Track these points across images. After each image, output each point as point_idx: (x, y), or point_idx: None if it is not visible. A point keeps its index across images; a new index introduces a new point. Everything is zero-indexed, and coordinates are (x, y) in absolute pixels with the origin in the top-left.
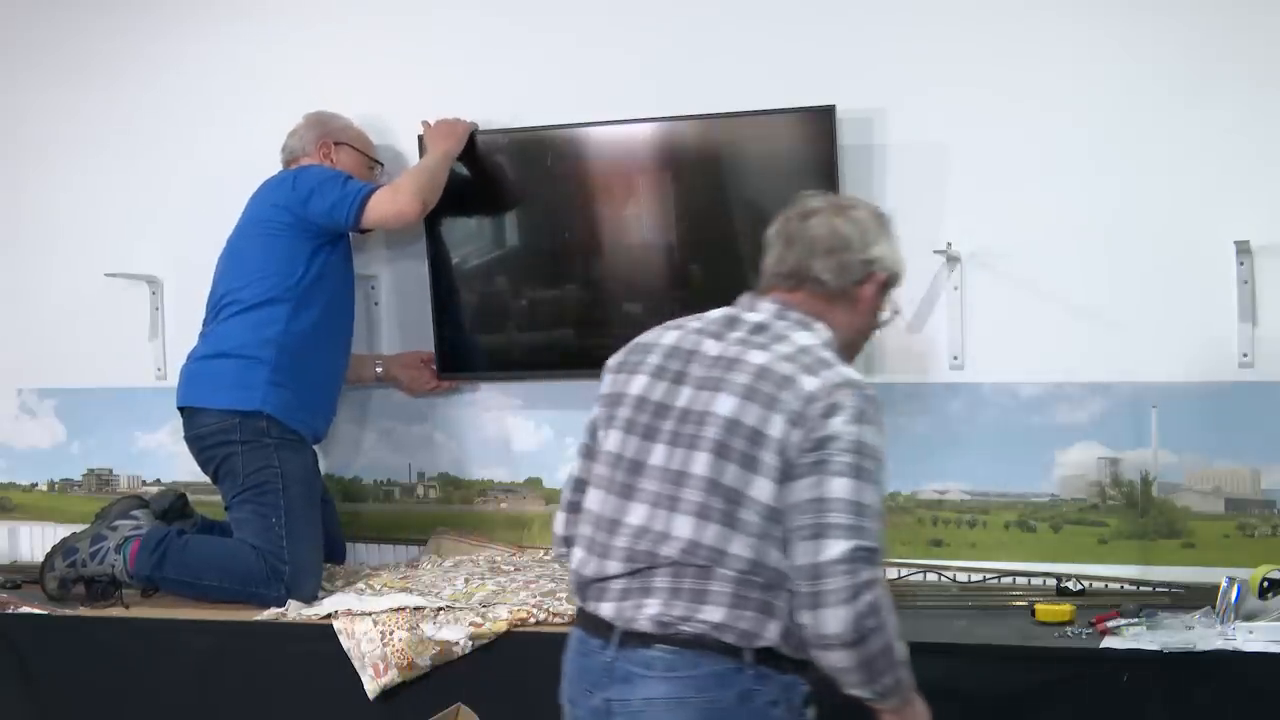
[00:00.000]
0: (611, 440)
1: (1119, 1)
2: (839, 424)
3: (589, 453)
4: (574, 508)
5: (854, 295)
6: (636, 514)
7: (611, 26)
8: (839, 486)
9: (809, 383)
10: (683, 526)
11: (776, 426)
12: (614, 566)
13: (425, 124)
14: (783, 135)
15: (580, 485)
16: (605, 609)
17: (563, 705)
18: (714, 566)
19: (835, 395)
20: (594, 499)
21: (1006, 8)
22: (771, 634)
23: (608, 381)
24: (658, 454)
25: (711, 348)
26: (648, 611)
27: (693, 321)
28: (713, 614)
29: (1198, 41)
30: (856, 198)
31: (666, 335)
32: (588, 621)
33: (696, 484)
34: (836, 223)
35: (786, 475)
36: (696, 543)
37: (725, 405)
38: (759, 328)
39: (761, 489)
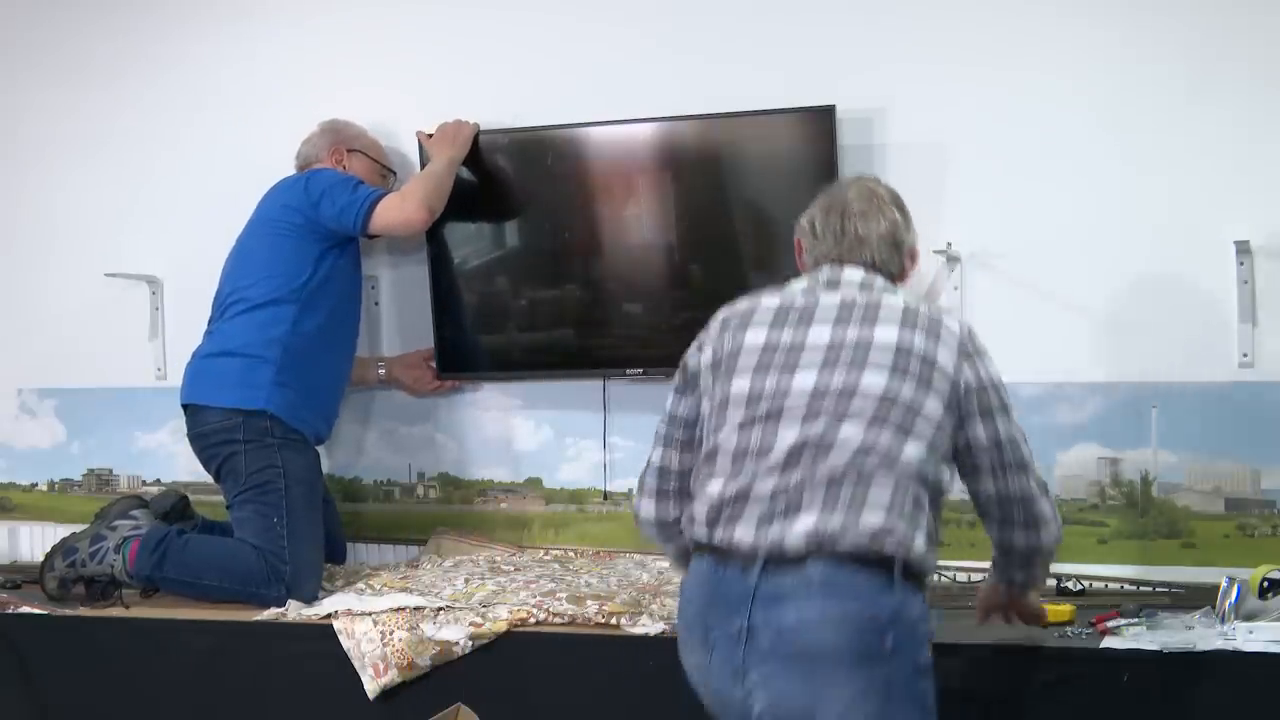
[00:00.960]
0: (738, 385)
1: (1119, 1)
2: (994, 367)
3: (690, 389)
4: (686, 446)
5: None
6: (792, 432)
7: (612, 27)
8: (1015, 425)
9: (953, 324)
10: (853, 431)
11: (946, 357)
12: (763, 487)
13: (422, 134)
14: (783, 135)
15: (690, 424)
16: (742, 534)
17: (686, 636)
18: (882, 470)
19: (976, 339)
20: (728, 437)
21: (1007, 8)
22: (919, 546)
23: (713, 336)
24: (807, 379)
25: (829, 297)
26: (799, 529)
27: (778, 290)
28: (872, 518)
29: (1198, 41)
30: (885, 185)
31: (764, 299)
32: (720, 551)
33: (868, 397)
34: (895, 218)
35: (962, 407)
36: (871, 445)
37: (888, 333)
38: (864, 284)
39: (934, 408)
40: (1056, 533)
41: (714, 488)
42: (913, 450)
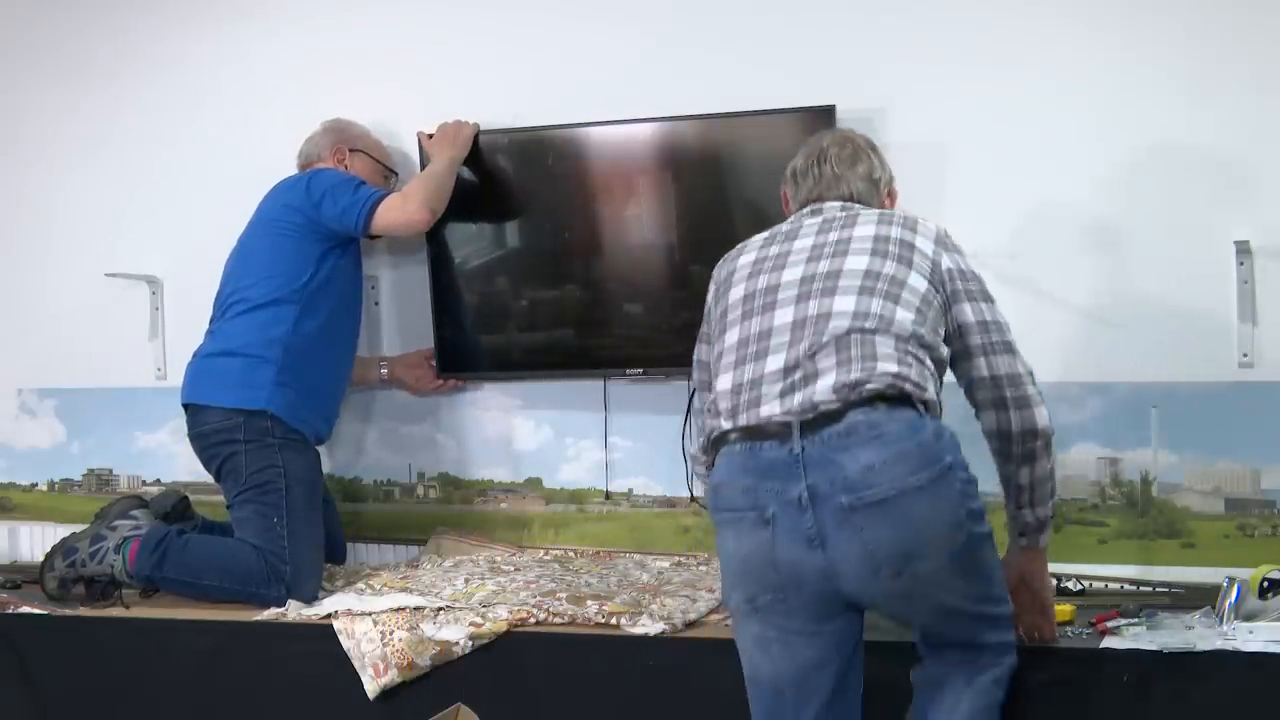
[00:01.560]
0: (734, 294)
1: (1120, 2)
2: (971, 264)
3: (706, 334)
4: (705, 385)
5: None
6: (787, 313)
7: (612, 27)
8: (999, 312)
9: (929, 222)
10: (846, 303)
11: (924, 244)
12: (774, 363)
13: (422, 135)
14: (783, 135)
15: (705, 368)
16: (769, 410)
17: (732, 521)
18: (880, 332)
19: (952, 239)
20: (731, 338)
21: (1007, 8)
22: (932, 394)
23: (716, 280)
24: (795, 273)
25: (811, 220)
26: (824, 386)
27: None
28: (887, 366)
29: (1198, 41)
30: (861, 134)
31: (754, 238)
32: (750, 432)
33: (853, 275)
34: (871, 159)
35: (946, 287)
36: (865, 311)
37: (866, 229)
38: (845, 209)
39: (918, 282)
40: (1048, 418)
41: (725, 382)
42: (904, 315)
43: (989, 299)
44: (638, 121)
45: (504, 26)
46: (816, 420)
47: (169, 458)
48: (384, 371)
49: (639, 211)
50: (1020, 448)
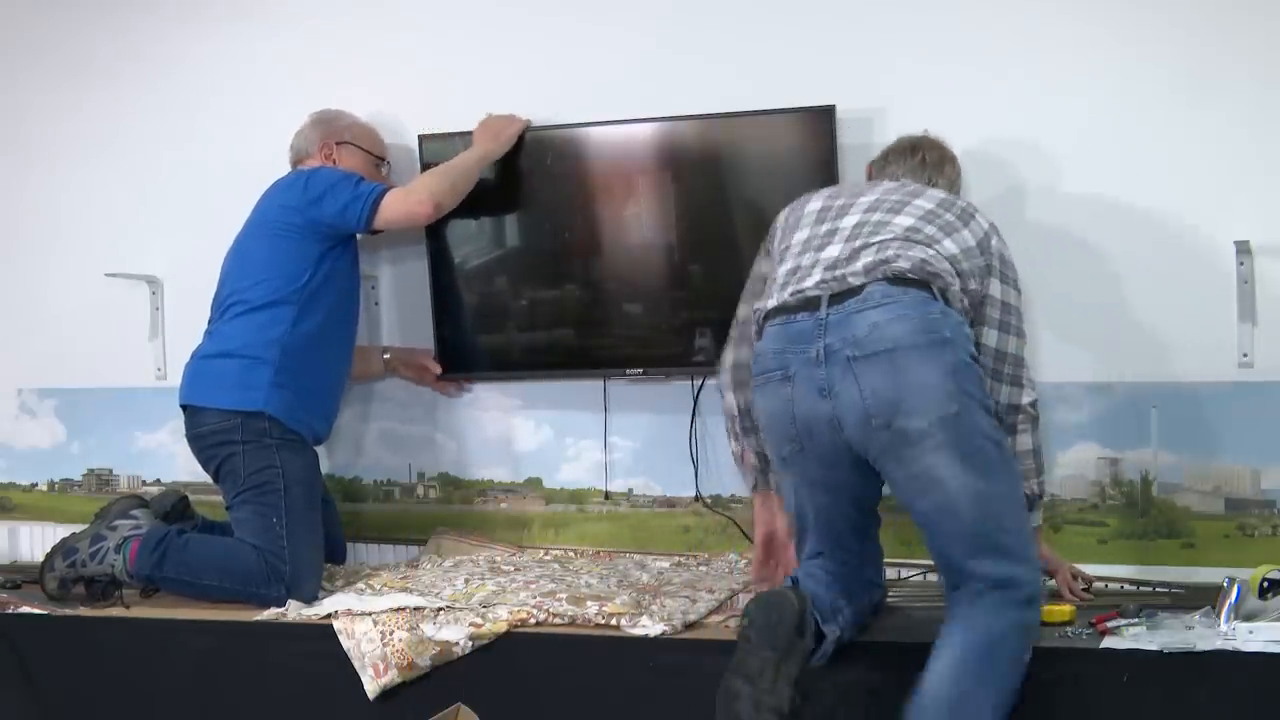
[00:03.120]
0: (801, 232)
1: (1120, 1)
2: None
3: (766, 252)
4: (758, 297)
5: None
6: (849, 220)
7: (612, 27)
8: (1022, 303)
9: (982, 218)
10: (904, 220)
11: (981, 220)
12: (828, 254)
13: (486, 116)
14: (783, 135)
15: (758, 280)
16: (809, 285)
17: (764, 384)
18: (922, 245)
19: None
20: (799, 236)
21: (1007, 8)
22: (955, 291)
23: (778, 235)
24: (865, 199)
25: (880, 180)
26: (856, 268)
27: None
28: (918, 253)
29: (1198, 41)
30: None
31: (825, 190)
32: (787, 307)
33: (916, 210)
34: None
35: (988, 257)
36: (918, 229)
37: (929, 199)
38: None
39: (969, 239)
40: (1034, 401)
41: (782, 270)
42: (951, 247)
43: (1018, 290)
44: (638, 121)
45: (504, 27)
46: (843, 293)
47: (169, 458)
48: (387, 357)
49: (639, 211)
50: (1005, 420)
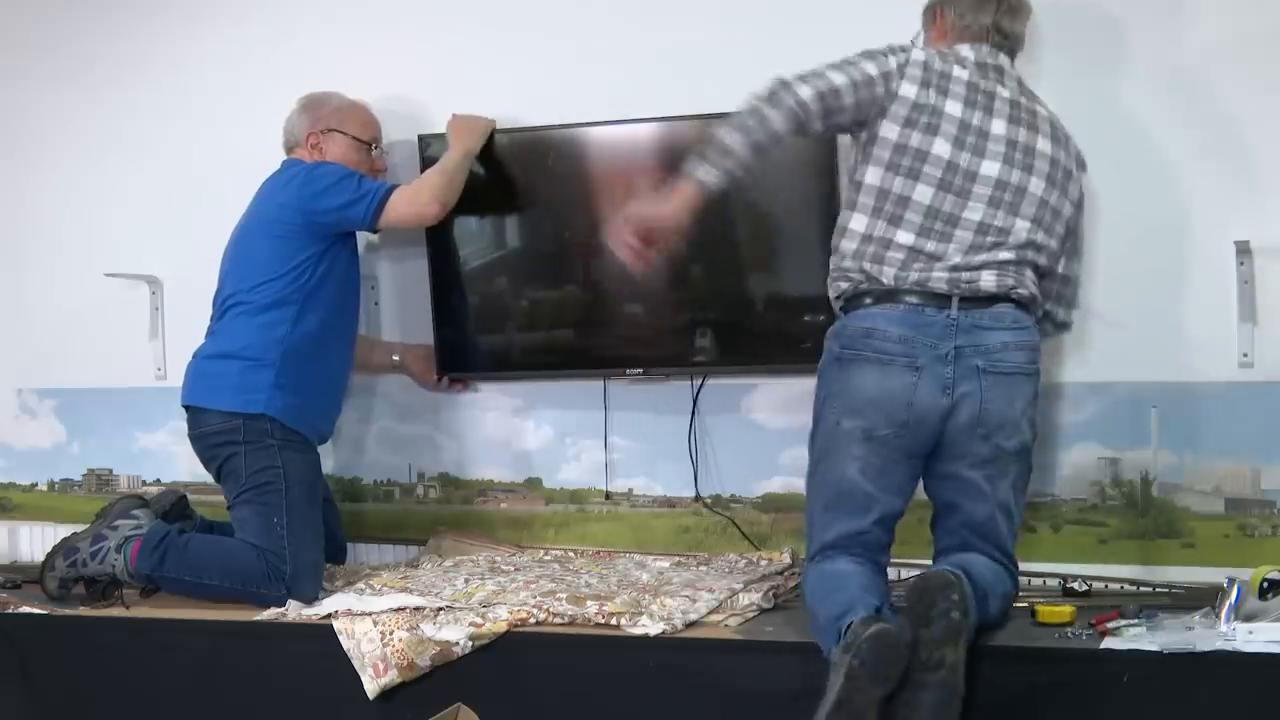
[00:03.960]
0: (939, 146)
1: (1120, 2)
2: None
3: (873, 89)
4: (837, 112)
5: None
6: (976, 212)
7: (612, 27)
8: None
9: (1075, 146)
10: (1022, 227)
11: (1077, 172)
12: (955, 250)
13: (453, 116)
14: None
15: (852, 100)
16: (937, 281)
17: (882, 363)
18: (1029, 264)
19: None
20: (924, 193)
21: None
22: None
23: (916, 76)
24: (992, 168)
25: (1001, 90)
26: (986, 281)
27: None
28: (1031, 287)
29: (1198, 41)
30: None
31: (955, 69)
32: (916, 293)
33: (1032, 200)
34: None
35: (1079, 203)
36: (1031, 240)
37: (1046, 145)
38: (1018, 81)
39: (1068, 210)
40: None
41: (906, 238)
42: (1053, 246)
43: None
44: (638, 121)
45: (503, 27)
46: (972, 300)
47: (169, 458)
48: (396, 359)
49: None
50: (1067, 325)
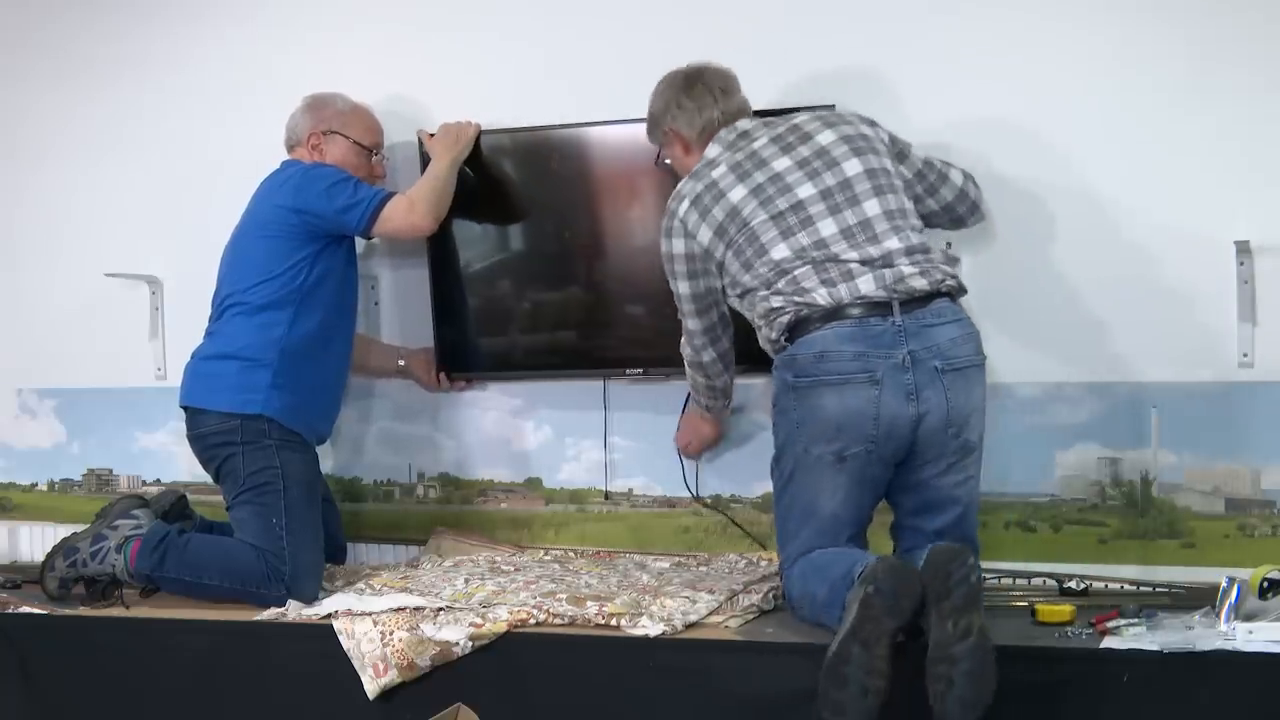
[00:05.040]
0: (758, 218)
1: (1119, 2)
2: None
3: (700, 272)
4: (705, 311)
5: None
6: (829, 226)
7: (611, 26)
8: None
9: (847, 111)
10: (871, 207)
11: (868, 131)
12: (850, 259)
13: (423, 133)
14: None
15: (705, 296)
16: (867, 289)
17: (839, 383)
18: (910, 223)
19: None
20: (781, 249)
21: (1006, 8)
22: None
23: (694, 221)
24: (806, 189)
25: (757, 144)
26: (914, 280)
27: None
28: (949, 270)
29: (1198, 42)
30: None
31: (711, 172)
32: (857, 307)
33: (859, 179)
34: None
35: (896, 155)
36: (890, 210)
37: (826, 137)
38: (768, 123)
39: (890, 163)
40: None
41: (806, 273)
42: (908, 203)
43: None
44: (639, 121)
45: (503, 27)
46: (910, 301)
47: (169, 458)
48: (402, 363)
49: (641, 212)
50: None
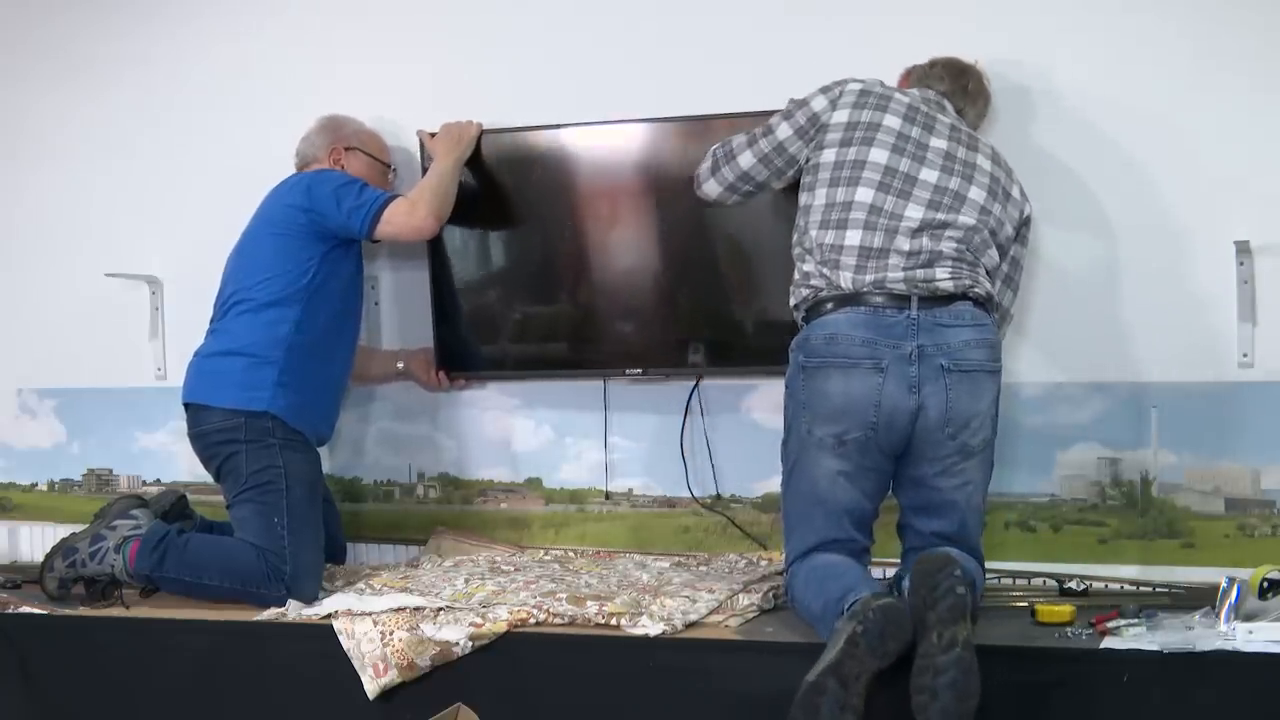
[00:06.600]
0: (876, 154)
1: (1119, 2)
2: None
3: (809, 133)
4: (778, 174)
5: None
6: (917, 212)
7: (610, 26)
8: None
9: (1018, 180)
10: (964, 222)
11: (1017, 194)
12: (901, 245)
13: (423, 134)
14: None
15: (792, 160)
16: (894, 279)
17: (846, 367)
18: (980, 255)
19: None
20: (865, 195)
21: (1006, 8)
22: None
23: (849, 102)
24: (931, 175)
25: (943, 117)
26: (943, 281)
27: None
28: (986, 285)
29: (1198, 41)
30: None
31: (895, 94)
32: (871, 297)
33: (973, 205)
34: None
35: (1020, 232)
36: (976, 232)
37: (985, 163)
38: (960, 119)
39: (1008, 230)
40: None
41: (853, 238)
42: (994, 254)
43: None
44: (638, 122)
45: (503, 28)
46: (931, 299)
47: (169, 458)
48: (401, 366)
49: (639, 212)
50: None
